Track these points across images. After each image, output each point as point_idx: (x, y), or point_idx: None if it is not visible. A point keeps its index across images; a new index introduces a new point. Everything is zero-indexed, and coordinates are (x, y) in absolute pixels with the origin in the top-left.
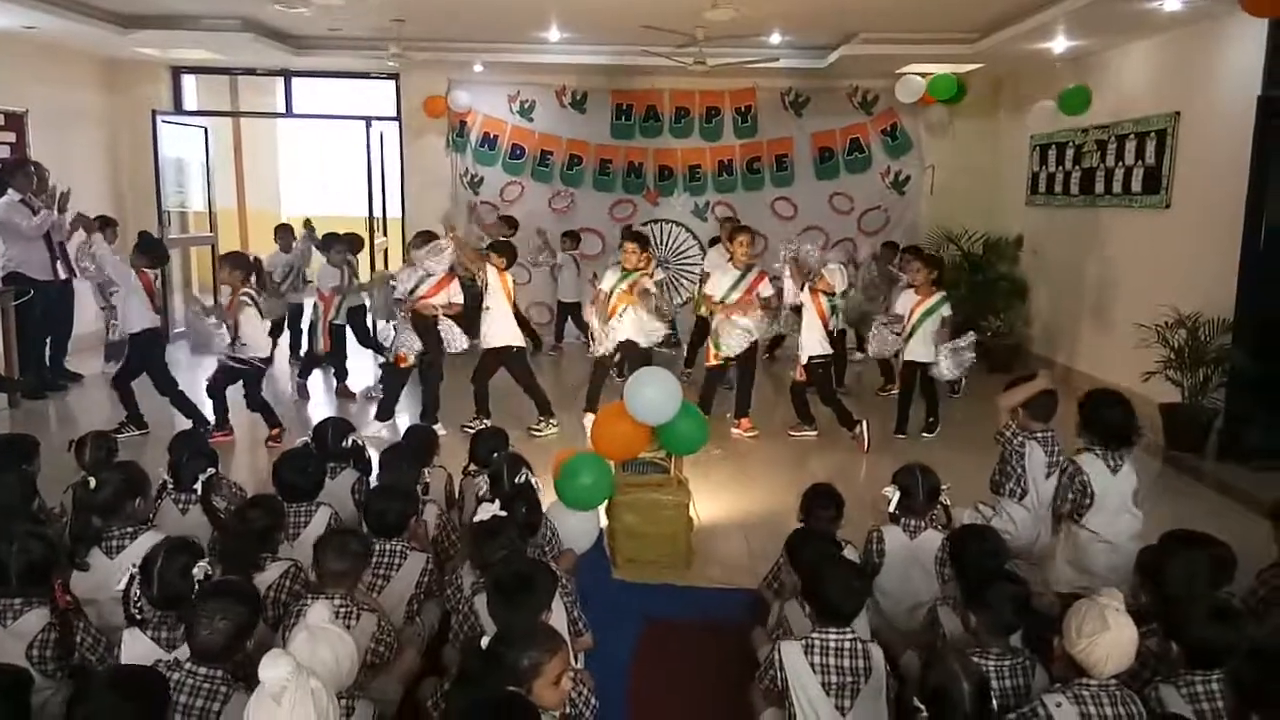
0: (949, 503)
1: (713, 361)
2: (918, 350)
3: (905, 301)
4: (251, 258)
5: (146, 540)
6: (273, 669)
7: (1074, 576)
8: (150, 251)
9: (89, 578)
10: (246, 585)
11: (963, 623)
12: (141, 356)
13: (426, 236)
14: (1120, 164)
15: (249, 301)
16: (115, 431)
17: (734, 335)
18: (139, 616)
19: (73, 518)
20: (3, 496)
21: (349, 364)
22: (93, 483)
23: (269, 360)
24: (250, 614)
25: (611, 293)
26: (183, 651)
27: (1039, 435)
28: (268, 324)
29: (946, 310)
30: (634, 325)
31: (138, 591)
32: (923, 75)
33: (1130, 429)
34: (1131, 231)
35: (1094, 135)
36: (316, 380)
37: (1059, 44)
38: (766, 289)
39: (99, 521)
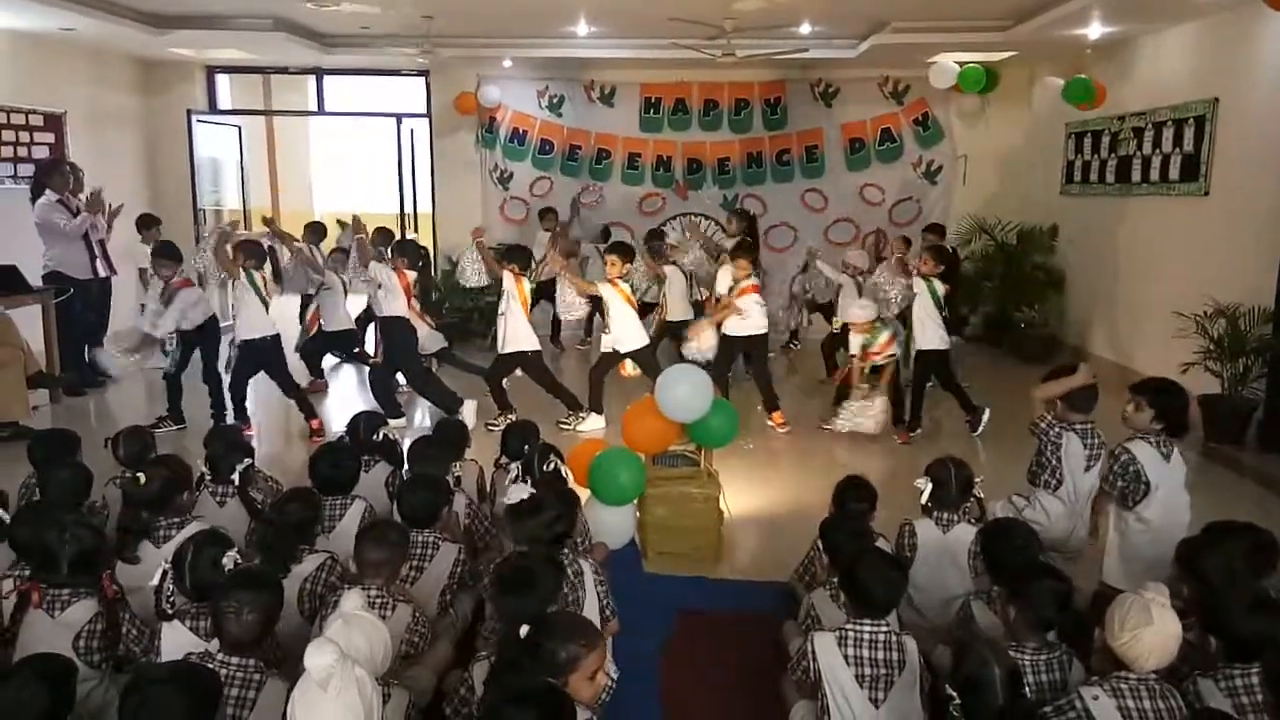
0: (982, 495)
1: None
2: (921, 338)
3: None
4: (265, 247)
5: (192, 531)
6: (319, 657)
7: (1123, 569)
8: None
9: (137, 568)
10: (266, 572)
11: (1001, 616)
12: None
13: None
14: (1157, 151)
15: (248, 284)
16: (153, 426)
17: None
18: (171, 611)
19: (122, 511)
20: (54, 490)
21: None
22: (143, 478)
23: (264, 342)
24: (274, 600)
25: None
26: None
27: (1077, 427)
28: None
29: (937, 286)
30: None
31: (170, 587)
32: (958, 64)
33: (1188, 416)
34: (1169, 220)
35: (1130, 123)
36: (348, 374)
37: (1094, 30)
38: None
39: (147, 515)
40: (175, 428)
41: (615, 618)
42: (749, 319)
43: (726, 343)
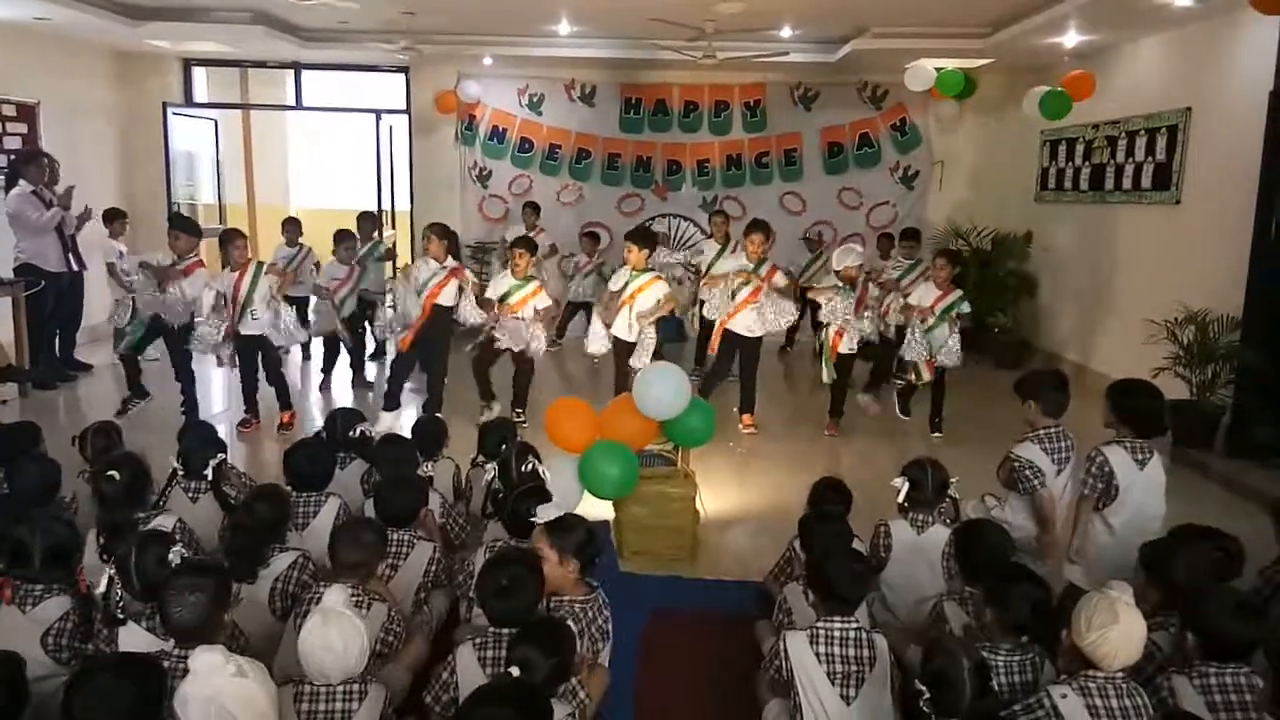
0: (958, 496)
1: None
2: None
3: (923, 295)
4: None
5: (162, 523)
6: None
7: (1084, 571)
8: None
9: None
10: (210, 560)
11: (975, 616)
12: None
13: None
14: (1131, 160)
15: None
16: (121, 411)
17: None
18: (122, 615)
19: (101, 510)
20: (24, 484)
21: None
22: (117, 474)
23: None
24: (219, 585)
25: (621, 292)
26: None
27: (1042, 430)
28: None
29: (965, 308)
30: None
31: (118, 591)
32: (935, 69)
33: (1162, 418)
34: (1141, 228)
35: (1104, 131)
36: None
37: (1070, 39)
38: (780, 279)
39: (133, 511)
40: (142, 403)
41: None
42: (751, 320)
43: (728, 340)
